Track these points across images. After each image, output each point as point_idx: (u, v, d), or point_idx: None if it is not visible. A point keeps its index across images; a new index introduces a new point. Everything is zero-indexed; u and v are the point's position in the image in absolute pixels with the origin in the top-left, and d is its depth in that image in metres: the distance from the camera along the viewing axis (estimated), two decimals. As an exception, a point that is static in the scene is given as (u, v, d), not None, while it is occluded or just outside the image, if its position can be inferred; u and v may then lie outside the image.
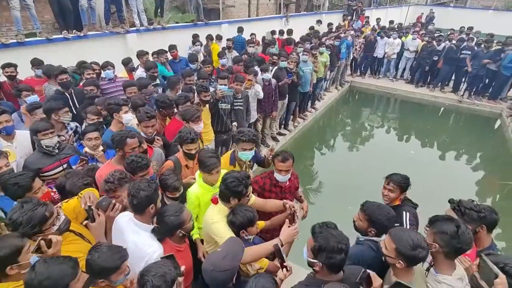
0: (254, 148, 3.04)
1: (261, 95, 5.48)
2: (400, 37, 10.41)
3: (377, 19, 12.92)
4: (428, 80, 10.56)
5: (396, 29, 11.03)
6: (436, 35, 9.92)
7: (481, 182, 6.37)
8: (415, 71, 10.64)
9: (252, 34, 8.47)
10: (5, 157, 2.46)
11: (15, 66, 4.67)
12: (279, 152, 2.90)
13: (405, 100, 10.58)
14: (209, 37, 7.86)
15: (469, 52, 8.95)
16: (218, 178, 2.53)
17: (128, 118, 3.41)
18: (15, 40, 5.45)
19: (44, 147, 2.87)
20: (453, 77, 10.12)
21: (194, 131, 2.97)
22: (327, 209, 4.88)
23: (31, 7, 5.60)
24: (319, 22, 11.53)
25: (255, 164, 3.65)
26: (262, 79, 5.61)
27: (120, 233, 2.09)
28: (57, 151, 2.95)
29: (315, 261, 1.71)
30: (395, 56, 10.59)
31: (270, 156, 3.10)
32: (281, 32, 9.20)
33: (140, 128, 3.30)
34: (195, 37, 7.43)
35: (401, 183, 2.60)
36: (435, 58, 9.62)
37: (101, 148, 3.03)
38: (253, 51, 7.31)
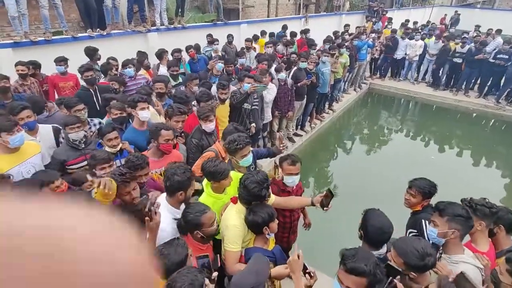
0: (251, 150, 2.92)
1: (267, 99, 5.41)
2: (423, 39, 10.13)
3: (405, 20, 12.64)
4: (452, 84, 10.22)
5: (419, 31, 10.72)
6: (463, 36, 9.54)
7: (506, 192, 6.09)
8: (436, 73, 10.33)
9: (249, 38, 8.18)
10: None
11: (31, 64, 4.73)
12: (287, 155, 2.86)
13: (426, 103, 10.28)
14: (230, 37, 7.88)
15: (506, 57, 8.52)
16: (231, 178, 2.50)
17: (144, 115, 3.41)
18: (43, 38, 5.68)
19: (71, 140, 2.99)
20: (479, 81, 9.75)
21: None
22: (341, 213, 4.78)
23: (59, 6, 5.82)
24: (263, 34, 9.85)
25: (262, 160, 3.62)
26: (278, 79, 5.59)
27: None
28: (83, 145, 3.06)
29: None
30: (417, 58, 10.29)
31: (281, 146, 3.09)
32: (304, 32, 9.14)
33: (170, 123, 3.37)
34: (210, 37, 7.47)
35: (424, 188, 2.50)
36: (459, 60, 9.29)
37: (119, 146, 3.09)
38: (271, 51, 7.29)
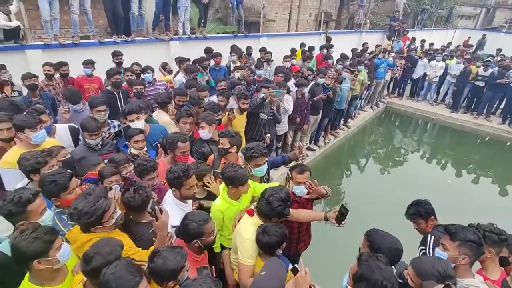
0: (266, 160, 2.92)
1: (290, 110, 5.50)
2: (444, 60, 10.00)
3: (421, 40, 12.53)
4: (473, 107, 9.98)
5: (440, 52, 10.60)
6: (486, 60, 9.33)
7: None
8: (456, 96, 10.11)
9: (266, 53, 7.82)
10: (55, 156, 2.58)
11: (67, 64, 5.09)
12: (296, 164, 2.86)
13: (445, 125, 10.05)
14: (250, 49, 7.97)
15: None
16: (249, 186, 2.51)
17: (135, 126, 3.31)
18: (71, 41, 5.94)
19: (88, 143, 3.08)
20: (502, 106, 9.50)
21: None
22: (349, 232, 4.67)
23: (89, 12, 6.13)
24: (303, 45, 9.39)
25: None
26: (296, 92, 5.64)
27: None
28: (100, 147, 3.14)
29: None
30: (437, 79, 10.14)
31: (300, 156, 3.11)
32: (325, 47, 9.20)
33: (178, 125, 3.45)
34: (236, 47, 7.47)
35: (419, 212, 2.50)
36: (482, 84, 9.09)
37: (145, 149, 3.18)
38: (289, 65, 7.35)
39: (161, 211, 2.02)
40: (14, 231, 2.02)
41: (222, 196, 2.59)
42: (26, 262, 1.58)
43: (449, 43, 13.83)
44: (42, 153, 2.41)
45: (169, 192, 2.50)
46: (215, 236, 2.15)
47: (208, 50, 6.60)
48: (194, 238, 2.03)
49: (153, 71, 5.23)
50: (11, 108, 3.27)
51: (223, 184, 2.64)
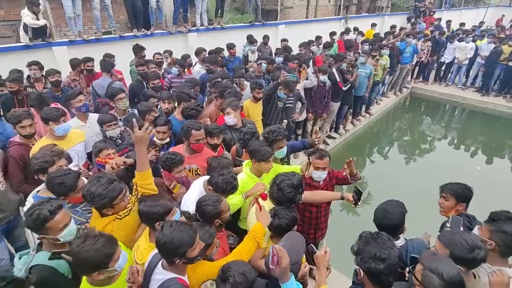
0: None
1: (315, 82, 5.52)
2: (474, 41, 9.41)
3: (447, 21, 11.82)
4: (506, 90, 9.36)
5: (471, 32, 9.97)
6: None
7: None
8: (487, 78, 9.52)
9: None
10: (65, 158, 2.55)
11: (93, 60, 5.25)
12: (315, 149, 2.84)
13: (475, 110, 9.54)
14: (266, 38, 7.91)
15: None
16: (272, 166, 2.55)
17: None
18: (94, 37, 6.15)
19: (109, 137, 3.15)
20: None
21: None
22: (368, 221, 4.59)
23: (109, 7, 6.30)
24: (373, 25, 10.58)
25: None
26: (318, 79, 5.56)
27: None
28: (120, 141, 3.22)
29: (357, 266, 1.60)
30: (467, 61, 9.59)
31: (316, 140, 3.10)
32: (342, 33, 8.88)
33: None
34: (252, 37, 7.47)
35: (456, 190, 2.35)
36: (516, 65, 8.50)
37: (167, 140, 3.25)
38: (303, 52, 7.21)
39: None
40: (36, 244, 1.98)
41: (245, 171, 2.67)
42: (87, 272, 1.60)
43: (482, 22, 12.90)
44: (51, 153, 2.37)
45: (200, 184, 2.54)
46: (230, 213, 2.23)
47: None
48: (214, 219, 2.10)
49: (180, 66, 5.24)
50: (39, 99, 3.46)
51: (247, 161, 2.72)
